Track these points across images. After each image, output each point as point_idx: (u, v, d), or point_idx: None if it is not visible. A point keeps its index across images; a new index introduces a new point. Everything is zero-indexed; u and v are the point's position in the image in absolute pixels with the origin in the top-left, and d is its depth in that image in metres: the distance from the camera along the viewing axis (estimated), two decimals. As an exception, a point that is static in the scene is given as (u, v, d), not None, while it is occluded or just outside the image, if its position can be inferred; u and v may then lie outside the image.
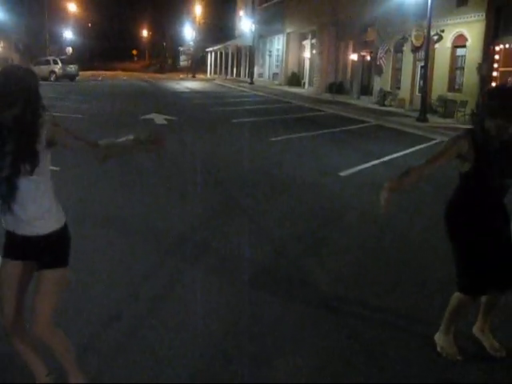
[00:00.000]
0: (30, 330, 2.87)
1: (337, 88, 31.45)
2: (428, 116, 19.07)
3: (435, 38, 20.98)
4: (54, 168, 3.06)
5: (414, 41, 21.92)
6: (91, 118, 17.37)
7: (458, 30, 20.90)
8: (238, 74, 54.19)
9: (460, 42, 21.01)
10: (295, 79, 39.75)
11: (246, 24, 46.94)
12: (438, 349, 3.71)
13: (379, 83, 26.37)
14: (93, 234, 5.93)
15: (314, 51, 35.24)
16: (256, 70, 46.64)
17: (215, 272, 5.13)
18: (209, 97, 29.81)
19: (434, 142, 14.43)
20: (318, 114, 21.73)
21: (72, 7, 71.75)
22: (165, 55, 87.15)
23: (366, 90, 28.88)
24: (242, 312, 4.29)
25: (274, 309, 4.37)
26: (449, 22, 20.91)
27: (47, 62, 40.63)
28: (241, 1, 54.11)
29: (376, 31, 25.96)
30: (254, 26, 43.02)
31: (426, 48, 19.15)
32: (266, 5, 43.57)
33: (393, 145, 13.69)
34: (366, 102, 26.62)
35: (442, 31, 21.23)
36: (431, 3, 17.98)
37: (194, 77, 56.85)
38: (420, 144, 13.72)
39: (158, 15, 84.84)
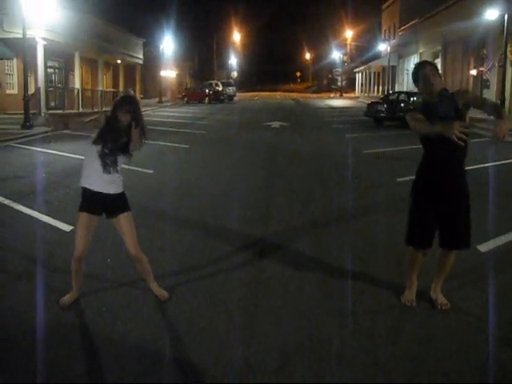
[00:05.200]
0: (129, 253, 4.14)
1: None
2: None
3: (527, 52, 23.22)
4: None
5: (509, 55, 24.17)
6: (228, 123, 23.96)
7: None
8: (383, 92, 57.45)
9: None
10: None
11: (386, 45, 50.59)
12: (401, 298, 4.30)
13: (487, 96, 28.51)
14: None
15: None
16: (397, 87, 49.77)
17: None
18: (337, 111, 33.80)
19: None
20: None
21: (237, 37, 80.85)
22: (322, 77, 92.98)
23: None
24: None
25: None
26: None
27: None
28: (385, 24, 57.72)
29: (487, 47, 28.29)
30: (391, 47, 46.69)
31: None
32: (403, 27, 46.90)
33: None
34: (477, 113, 28.78)
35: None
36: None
37: (341, 95, 61.45)
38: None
39: (318, 40, 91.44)
